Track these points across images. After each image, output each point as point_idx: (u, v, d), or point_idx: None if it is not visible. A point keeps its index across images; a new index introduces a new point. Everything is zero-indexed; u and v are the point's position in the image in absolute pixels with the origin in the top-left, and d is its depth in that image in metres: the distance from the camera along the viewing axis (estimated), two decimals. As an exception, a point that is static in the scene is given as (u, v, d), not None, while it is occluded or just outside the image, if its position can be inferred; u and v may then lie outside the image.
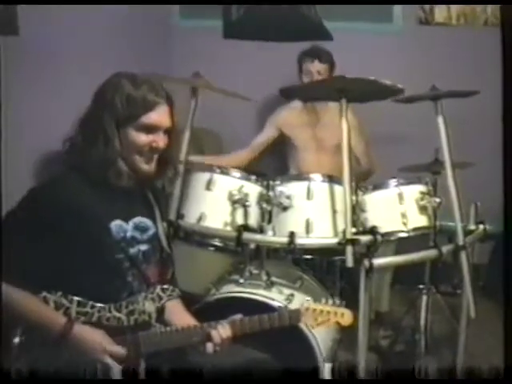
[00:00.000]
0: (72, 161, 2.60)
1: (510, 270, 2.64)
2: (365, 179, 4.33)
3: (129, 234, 2.61)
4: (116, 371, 2.43)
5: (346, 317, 2.73)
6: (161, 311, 2.64)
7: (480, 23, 5.08)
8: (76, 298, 2.48)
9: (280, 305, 3.23)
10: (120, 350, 2.46)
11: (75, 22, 3.81)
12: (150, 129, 2.55)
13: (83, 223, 2.50)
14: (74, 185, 2.53)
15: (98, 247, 2.53)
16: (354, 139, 4.07)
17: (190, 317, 2.74)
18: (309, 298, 2.77)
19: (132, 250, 2.61)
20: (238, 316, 2.64)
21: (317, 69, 4.64)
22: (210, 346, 2.56)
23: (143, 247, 2.66)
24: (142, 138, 2.54)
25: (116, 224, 2.57)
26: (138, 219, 2.66)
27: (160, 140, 2.57)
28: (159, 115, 2.55)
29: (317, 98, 3.93)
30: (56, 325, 2.42)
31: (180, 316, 2.72)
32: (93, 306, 2.50)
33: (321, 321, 2.70)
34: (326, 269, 4.16)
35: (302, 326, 3.20)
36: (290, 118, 4.89)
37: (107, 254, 2.55)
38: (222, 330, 2.57)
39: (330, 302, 2.75)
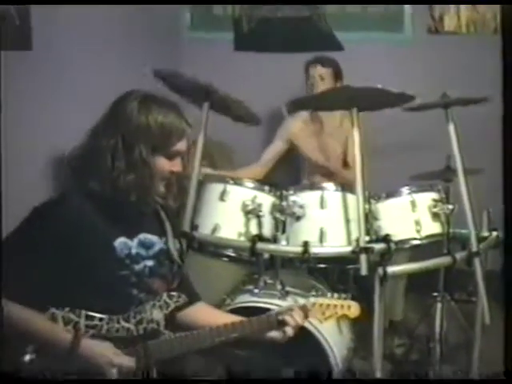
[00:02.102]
0: (77, 171, 2.62)
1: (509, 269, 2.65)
2: None
3: (133, 251, 2.62)
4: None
5: (352, 309, 2.74)
6: (170, 318, 2.64)
7: (490, 31, 5.08)
8: (84, 312, 2.50)
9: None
10: (128, 361, 2.48)
11: (87, 36, 3.84)
12: (174, 155, 2.60)
13: (86, 241, 2.51)
14: (77, 203, 2.54)
15: (102, 265, 2.55)
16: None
17: (224, 313, 2.79)
18: (314, 293, 2.79)
19: (137, 267, 2.63)
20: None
21: (319, 73, 4.65)
22: (289, 330, 2.69)
23: (149, 263, 2.67)
24: (167, 165, 2.59)
25: (120, 241, 2.58)
26: (142, 236, 2.67)
27: (179, 165, 2.62)
28: (186, 143, 2.62)
29: (327, 109, 3.94)
30: (63, 341, 2.43)
31: (213, 314, 2.82)
32: (101, 319, 2.51)
33: (328, 314, 2.72)
34: (339, 278, 4.16)
35: (316, 335, 3.22)
36: (298, 127, 4.89)
37: (112, 271, 2.57)
38: (297, 315, 2.69)
39: (336, 295, 2.77)
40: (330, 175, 4.61)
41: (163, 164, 2.58)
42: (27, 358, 2.41)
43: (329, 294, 2.77)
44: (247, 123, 3.52)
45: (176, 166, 2.61)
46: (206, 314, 2.82)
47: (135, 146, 2.53)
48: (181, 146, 2.61)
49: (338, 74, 4.70)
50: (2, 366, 2.36)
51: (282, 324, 2.68)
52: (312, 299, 2.73)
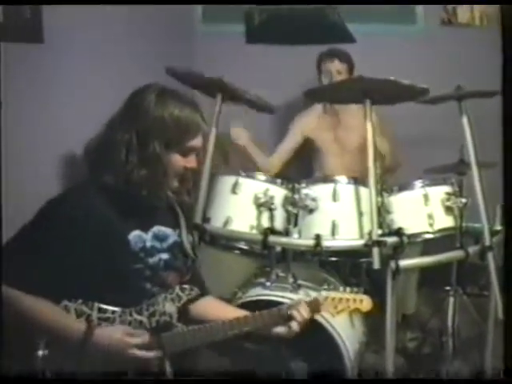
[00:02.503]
0: (92, 163, 2.62)
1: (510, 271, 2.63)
2: (390, 173, 4.34)
3: (148, 244, 2.63)
4: (149, 355, 2.47)
5: (365, 303, 2.73)
6: (182, 311, 2.64)
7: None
8: (96, 305, 2.50)
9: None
10: (142, 337, 2.48)
11: (98, 28, 3.83)
12: (189, 151, 2.61)
13: (101, 235, 2.52)
14: (91, 196, 2.55)
15: (116, 258, 2.55)
16: (377, 139, 4.06)
17: (233, 307, 2.79)
18: (326, 287, 2.77)
19: (152, 260, 2.63)
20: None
21: (337, 68, 4.62)
22: (295, 325, 2.67)
23: (164, 256, 2.68)
24: (181, 161, 2.60)
25: (135, 235, 2.59)
26: (156, 228, 2.68)
27: (194, 161, 2.63)
28: (201, 139, 2.64)
29: (341, 101, 3.93)
30: (77, 332, 2.43)
31: (221, 309, 2.81)
32: (114, 312, 2.52)
33: (341, 308, 2.71)
34: (351, 271, 4.15)
35: (330, 329, 3.21)
36: (312, 121, 4.89)
37: (126, 264, 2.58)
38: (303, 310, 2.68)
39: (348, 289, 2.76)
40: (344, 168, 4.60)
41: (177, 160, 2.59)
42: (40, 353, 2.41)
43: (341, 288, 2.74)
44: (261, 111, 3.52)
45: (191, 162, 2.62)
46: (214, 308, 2.82)
47: (150, 141, 2.54)
48: (196, 142, 2.62)
49: (352, 69, 4.68)
50: (14, 362, 2.36)
51: (289, 319, 2.68)
52: (324, 293, 2.72)
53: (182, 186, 2.67)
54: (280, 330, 2.71)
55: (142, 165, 2.52)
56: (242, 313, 2.73)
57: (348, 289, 2.77)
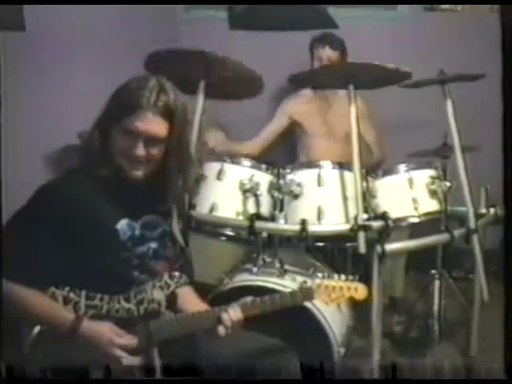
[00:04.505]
0: (83, 156, 2.61)
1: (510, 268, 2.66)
2: (375, 168, 4.34)
3: (137, 232, 2.60)
4: (128, 361, 2.43)
5: (359, 291, 2.63)
6: (171, 299, 2.62)
7: (486, 8, 5.06)
8: (84, 292, 2.49)
9: (292, 290, 3.23)
10: (130, 340, 2.46)
11: (81, 16, 3.82)
12: (130, 132, 2.46)
13: (89, 223, 2.50)
14: (80, 184, 2.53)
15: (104, 246, 2.53)
16: (365, 127, 4.08)
17: (203, 303, 2.74)
18: (320, 274, 2.74)
19: (141, 248, 2.61)
20: (249, 298, 2.61)
21: (328, 55, 4.60)
22: (221, 329, 2.52)
23: (153, 245, 2.65)
24: (122, 140, 2.47)
25: (123, 223, 2.56)
26: (148, 217, 2.64)
27: (138, 148, 2.46)
28: (142, 122, 2.44)
29: (325, 85, 3.94)
30: (65, 321, 2.42)
31: (193, 303, 2.71)
32: (101, 299, 2.50)
33: (335, 297, 2.61)
34: (338, 255, 4.16)
35: (316, 313, 3.21)
36: (301, 105, 4.88)
37: (114, 252, 2.55)
38: (233, 313, 2.53)
39: (343, 277, 2.65)
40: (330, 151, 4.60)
41: (120, 138, 2.47)
42: (29, 340, 2.42)
43: (335, 276, 2.69)
44: (248, 95, 3.52)
45: (137, 148, 2.45)
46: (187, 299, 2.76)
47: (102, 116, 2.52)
48: (138, 123, 2.44)
49: (344, 56, 4.66)
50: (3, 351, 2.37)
51: (218, 321, 2.54)
52: (318, 281, 2.63)
53: (153, 180, 2.56)
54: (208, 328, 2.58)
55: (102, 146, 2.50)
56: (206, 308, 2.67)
57: (343, 276, 2.71)
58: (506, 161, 2.68)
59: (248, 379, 2.59)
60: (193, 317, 2.57)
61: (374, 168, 3.60)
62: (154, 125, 2.45)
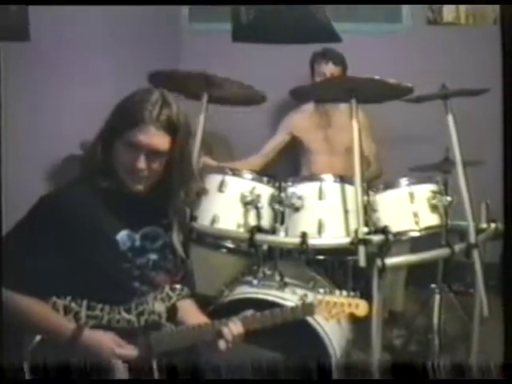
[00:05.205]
0: (85, 167, 2.61)
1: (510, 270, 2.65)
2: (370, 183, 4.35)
3: (137, 244, 2.60)
4: (122, 373, 2.44)
5: (360, 307, 2.64)
6: (171, 311, 2.62)
7: (489, 22, 5.07)
8: (85, 302, 2.49)
9: (293, 305, 3.23)
10: (131, 351, 2.47)
11: (85, 26, 3.83)
12: (132, 145, 2.46)
13: (89, 233, 2.50)
14: (81, 194, 2.53)
15: (104, 257, 2.53)
16: (366, 141, 4.08)
17: (204, 316, 2.74)
18: (322, 290, 2.74)
19: (140, 260, 2.60)
20: (250, 312, 2.62)
21: (330, 71, 4.63)
22: (222, 343, 2.53)
23: (153, 256, 2.65)
24: (125, 153, 2.48)
25: (123, 234, 2.56)
26: (148, 228, 2.64)
27: (140, 162, 2.46)
28: (144, 136, 2.44)
29: (327, 99, 3.95)
30: (65, 331, 2.43)
31: (194, 316, 2.71)
32: (102, 309, 2.51)
33: (335, 312, 2.63)
34: (338, 269, 4.16)
35: (316, 326, 3.21)
36: (302, 120, 4.90)
37: (114, 263, 2.55)
38: (234, 327, 2.54)
39: (344, 293, 2.67)
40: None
41: (122, 151, 2.48)
42: (31, 347, 2.42)
43: (337, 292, 2.69)
44: (251, 104, 3.52)
45: (139, 162, 2.45)
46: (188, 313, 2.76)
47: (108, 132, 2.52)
48: (141, 136, 2.44)
49: (345, 71, 4.68)
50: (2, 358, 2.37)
51: (218, 335, 2.54)
52: (319, 296, 2.63)
53: (155, 193, 2.57)
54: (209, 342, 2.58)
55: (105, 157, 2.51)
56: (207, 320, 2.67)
57: (344, 292, 2.71)
58: (505, 175, 2.68)
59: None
60: (193, 329, 2.58)
61: (368, 182, 3.60)
62: (156, 138, 2.45)
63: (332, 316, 2.64)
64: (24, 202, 2.50)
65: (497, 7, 4.93)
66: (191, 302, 2.78)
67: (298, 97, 3.83)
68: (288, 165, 5.06)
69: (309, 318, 3.14)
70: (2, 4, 3.27)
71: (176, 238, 2.73)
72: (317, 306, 2.63)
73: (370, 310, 2.70)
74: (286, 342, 2.88)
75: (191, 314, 2.72)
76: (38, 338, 2.44)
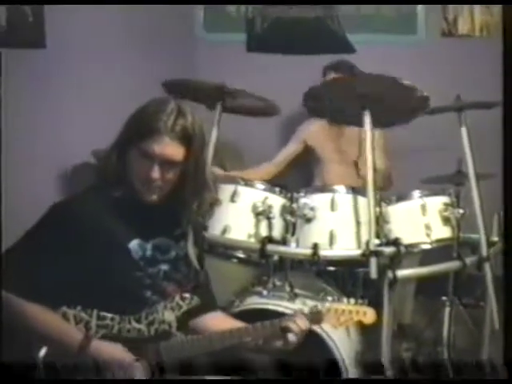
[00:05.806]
0: (98, 176, 2.62)
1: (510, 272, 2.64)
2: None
3: (148, 253, 2.59)
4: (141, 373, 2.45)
5: (368, 315, 2.64)
6: (181, 320, 2.62)
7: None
8: (95, 312, 2.49)
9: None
10: (138, 366, 2.46)
11: (100, 35, 3.84)
12: (147, 155, 2.46)
13: (101, 241, 2.51)
14: (93, 202, 2.54)
15: (115, 265, 2.54)
16: (379, 158, 4.07)
17: (236, 321, 2.76)
18: (330, 298, 2.74)
19: (152, 270, 2.60)
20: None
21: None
22: (292, 336, 2.58)
23: (164, 267, 2.64)
24: (139, 162, 2.48)
25: (135, 243, 2.56)
26: (159, 239, 2.63)
27: (154, 171, 2.46)
28: (159, 146, 2.44)
29: (341, 119, 3.92)
30: (73, 341, 2.43)
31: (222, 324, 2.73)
32: (113, 319, 2.50)
33: (343, 320, 2.63)
34: (349, 280, 4.15)
35: (325, 338, 3.20)
36: (317, 130, 4.91)
37: (126, 271, 2.55)
38: (300, 321, 2.59)
39: (352, 301, 2.68)
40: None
41: (137, 161, 2.49)
42: (41, 355, 2.42)
43: (345, 300, 2.69)
44: (264, 116, 3.51)
45: (153, 171, 2.45)
46: (219, 323, 2.76)
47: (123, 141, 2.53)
48: (156, 147, 2.44)
49: None
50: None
51: (285, 331, 2.59)
52: (327, 304, 2.64)
53: (150, 191, 2.54)
54: (278, 343, 2.62)
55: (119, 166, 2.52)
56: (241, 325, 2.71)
57: (352, 300, 2.71)
58: (505, 189, 2.68)
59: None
60: (221, 335, 2.59)
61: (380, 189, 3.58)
62: (171, 149, 2.46)
63: (340, 324, 2.64)
64: (35, 209, 2.51)
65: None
66: (221, 313, 2.85)
67: (310, 108, 3.79)
68: (299, 175, 5.06)
69: (318, 329, 3.14)
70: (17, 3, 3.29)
71: (191, 250, 2.73)
72: (325, 314, 2.63)
73: (377, 317, 2.70)
74: (294, 352, 2.87)
75: (223, 322, 2.75)
76: (45, 349, 2.44)
